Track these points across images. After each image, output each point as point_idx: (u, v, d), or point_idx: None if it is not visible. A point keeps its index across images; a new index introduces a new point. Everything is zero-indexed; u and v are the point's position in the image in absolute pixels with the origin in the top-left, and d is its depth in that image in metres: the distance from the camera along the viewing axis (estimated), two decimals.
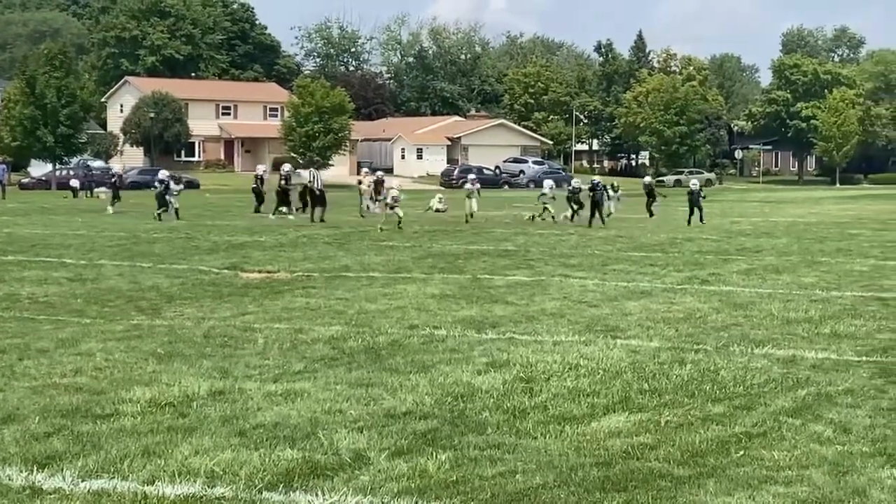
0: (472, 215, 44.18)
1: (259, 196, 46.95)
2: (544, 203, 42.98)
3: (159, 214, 42.73)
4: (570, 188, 42.85)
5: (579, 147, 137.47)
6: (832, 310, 17.40)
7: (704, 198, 41.16)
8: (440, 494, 7.65)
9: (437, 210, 46.73)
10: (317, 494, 7.64)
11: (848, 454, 8.84)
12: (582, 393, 11.08)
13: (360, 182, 53.45)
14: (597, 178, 34.54)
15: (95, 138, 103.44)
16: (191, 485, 7.84)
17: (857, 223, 42.09)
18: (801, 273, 22.82)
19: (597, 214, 37.31)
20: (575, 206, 40.40)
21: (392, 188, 43.55)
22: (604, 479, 8.07)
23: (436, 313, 16.80)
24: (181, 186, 51.22)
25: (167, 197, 44.02)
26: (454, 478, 8.07)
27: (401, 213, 38.86)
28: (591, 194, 37.30)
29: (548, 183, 47.32)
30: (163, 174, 47.34)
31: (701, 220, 40.19)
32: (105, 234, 34.22)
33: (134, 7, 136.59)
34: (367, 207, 47.71)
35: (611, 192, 42.66)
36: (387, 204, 40.43)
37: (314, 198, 43.77)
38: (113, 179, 53.11)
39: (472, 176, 53.04)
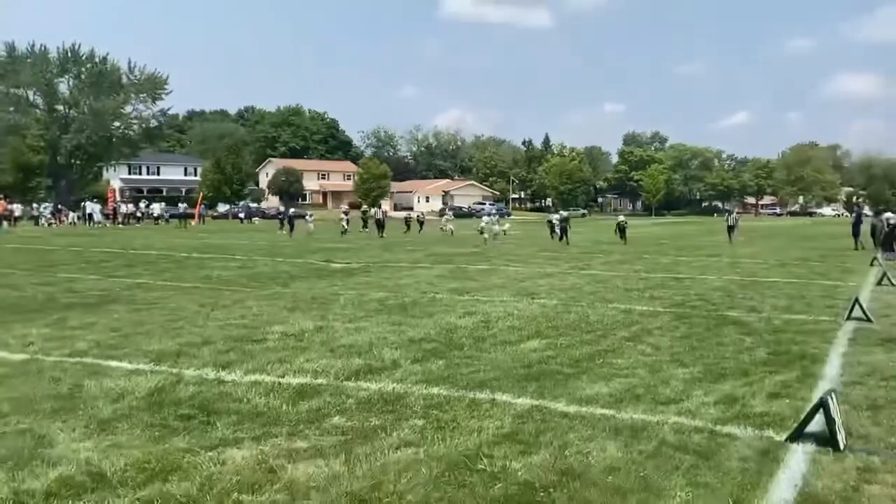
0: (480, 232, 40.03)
1: (365, 221, 48.83)
2: (482, 227, 39.02)
3: (290, 232, 42.70)
4: (558, 219, 37.51)
5: (514, 196, 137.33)
6: (650, 284, 17.44)
7: (569, 226, 36.64)
8: (439, 383, 7.70)
9: (446, 229, 45.53)
10: (373, 382, 7.70)
11: (658, 361, 8.89)
12: (515, 328, 11.11)
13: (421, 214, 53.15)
14: (564, 213, 32.93)
15: (252, 191, 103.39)
16: (304, 377, 7.90)
17: (664, 237, 42.12)
18: (634, 264, 22.85)
19: (564, 238, 33.89)
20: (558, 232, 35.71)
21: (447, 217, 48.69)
22: (527, 374, 8.12)
23: (436, 285, 16.81)
24: (311, 216, 50.55)
25: (293, 222, 44.12)
26: (446, 374, 8.12)
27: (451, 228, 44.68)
28: (561, 224, 34.54)
29: (485, 217, 45.09)
30: (291, 210, 47.44)
31: (566, 240, 34.89)
32: (257, 243, 34.19)
33: (273, 120, 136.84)
34: (442, 229, 46.57)
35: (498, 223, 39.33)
36: (442, 228, 44.23)
37: (379, 223, 43.44)
38: (272, 214, 52.80)
39: (489, 209, 54.05)
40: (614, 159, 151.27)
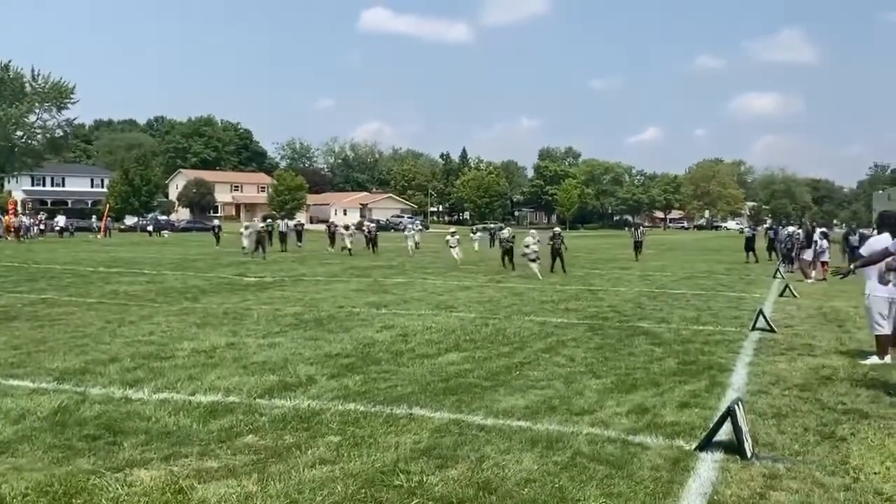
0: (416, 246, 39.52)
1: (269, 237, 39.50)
2: (406, 237, 39.30)
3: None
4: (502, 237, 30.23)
5: (432, 209, 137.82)
6: (565, 296, 17.72)
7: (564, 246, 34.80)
8: (356, 399, 7.62)
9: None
10: (287, 399, 7.57)
11: (573, 373, 9.01)
12: (433, 341, 11.10)
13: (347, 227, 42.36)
14: (557, 229, 26.42)
15: (161, 203, 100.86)
16: (215, 395, 7.70)
17: (578, 250, 42.87)
18: (549, 277, 23.17)
19: (558, 260, 25.54)
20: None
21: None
22: (445, 388, 8.11)
23: (353, 299, 16.69)
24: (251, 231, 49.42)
25: (220, 234, 42.73)
26: (364, 389, 8.04)
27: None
28: (551, 243, 25.53)
29: (409, 229, 43.03)
30: (215, 223, 46.22)
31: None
32: (167, 256, 33.33)
33: (184, 130, 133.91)
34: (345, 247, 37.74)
35: (417, 226, 37.64)
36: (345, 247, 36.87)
37: (283, 237, 41.00)
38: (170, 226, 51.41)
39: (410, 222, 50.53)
40: (530, 173, 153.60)
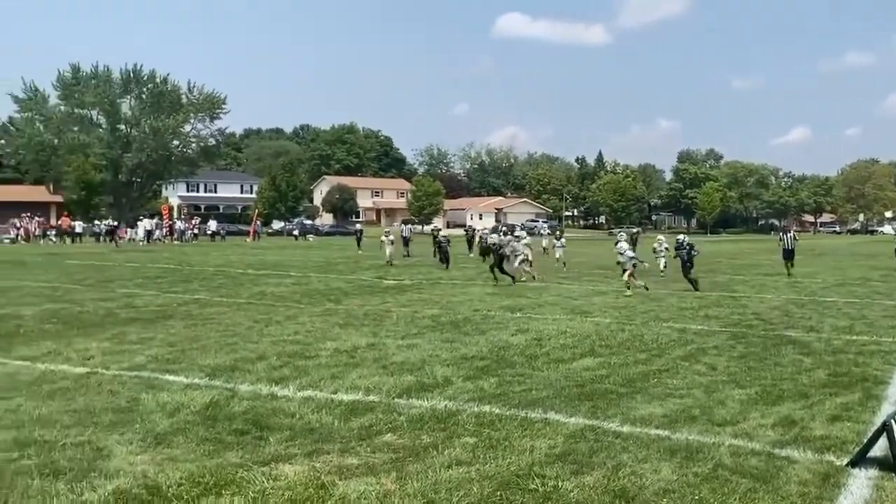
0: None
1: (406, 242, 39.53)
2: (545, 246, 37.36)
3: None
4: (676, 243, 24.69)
5: (567, 213, 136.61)
6: (705, 302, 17.16)
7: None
8: (491, 401, 7.66)
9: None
10: (425, 400, 7.69)
11: (714, 382, 8.73)
12: (568, 346, 11.02)
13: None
14: (682, 236, 23.33)
15: (306, 208, 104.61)
16: (356, 394, 7.92)
17: (721, 255, 41.42)
18: (688, 283, 22.48)
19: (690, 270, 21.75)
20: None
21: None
22: (580, 393, 8.03)
23: (489, 303, 16.77)
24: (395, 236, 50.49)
25: (361, 238, 43.31)
26: (499, 392, 8.08)
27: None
28: (677, 253, 22.58)
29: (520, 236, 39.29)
30: (357, 227, 47.27)
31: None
32: (311, 259, 34.50)
33: (328, 138, 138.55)
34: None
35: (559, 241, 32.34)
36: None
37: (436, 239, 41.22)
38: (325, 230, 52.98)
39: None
40: (668, 176, 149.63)
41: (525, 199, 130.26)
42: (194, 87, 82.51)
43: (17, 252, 39.16)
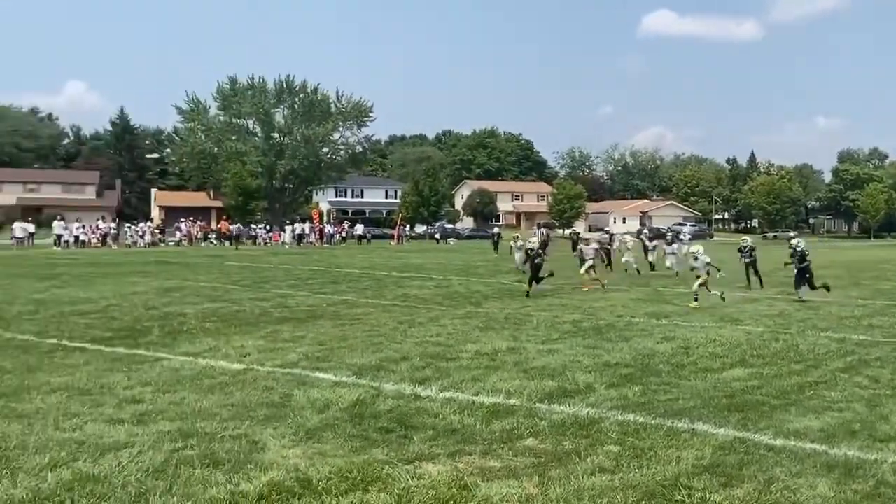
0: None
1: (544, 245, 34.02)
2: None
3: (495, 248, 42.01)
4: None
5: (716, 216, 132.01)
6: (868, 311, 16.18)
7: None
8: (635, 410, 7.52)
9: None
10: (567, 406, 7.64)
11: (877, 395, 8.23)
12: (717, 355, 10.66)
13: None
14: (747, 240, 23.22)
15: (448, 213, 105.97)
16: (497, 397, 7.96)
17: (885, 261, 38.88)
18: (850, 290, 21.28)
19: (754, 277, 22.62)
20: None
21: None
22: (729, 404, 7.76)
23: (632, 309, 16.45)
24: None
25: (499, 242, 43.34)
26: (643, 401, 7.92)
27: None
28: (742, 258, 22.60)
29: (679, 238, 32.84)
30: (495, 230, 47.51)
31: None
32: (452, 262, 34.88)
33: (469, 143, 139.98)
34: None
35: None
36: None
37: (574, 243, 41.13)
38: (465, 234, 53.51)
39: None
40: (827, 178, 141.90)
41: (672, 202, 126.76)
42: (342, 95, 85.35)
43: (182, 254, 41.68)
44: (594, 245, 24.08)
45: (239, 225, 55.63)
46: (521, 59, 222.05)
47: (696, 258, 18.31)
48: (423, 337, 12.13)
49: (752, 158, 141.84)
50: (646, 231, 36.92)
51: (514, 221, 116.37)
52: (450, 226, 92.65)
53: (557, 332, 12.79)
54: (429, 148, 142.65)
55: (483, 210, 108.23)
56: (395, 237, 67.29)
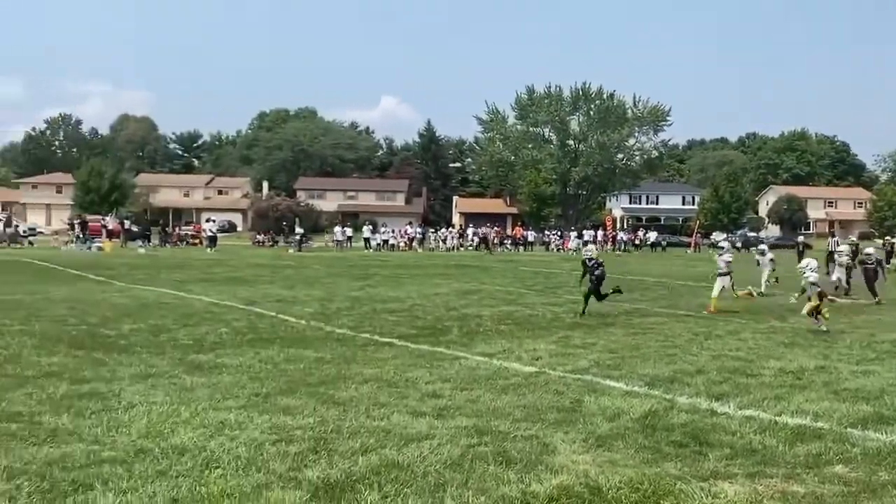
0: None
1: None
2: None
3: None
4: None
5: None
6: None
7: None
8: None
9: None
10: (883, 433, 6.93)
11: None
12: None
13: None
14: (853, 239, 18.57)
15: (750, 220, 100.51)
16: (803, 418, 7.41)
17: None
18: None
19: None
20: None
21: None
22: None
23: None
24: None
25: (804, 251, 40.22)
26: None
27: None
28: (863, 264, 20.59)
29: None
30: (798, 239, 44.33)
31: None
32: (756, 272, 32.85)
33: (776, 146, 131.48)
34: None
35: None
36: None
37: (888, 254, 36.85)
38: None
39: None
40: None
41: None
42: (639, 100, 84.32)
43: (479, 258, 43.54)
44: (770, 255, 22.15)
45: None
46: (834, 55, 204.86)
47: (807, 272, 14.83)
48: (721, 350, 11.61)
49: None
50: None
51: (827, 229, 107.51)
52: (752, 234, 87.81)
53: (874, 352, 11.62)
54: (730, 151, 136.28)
55: (791, 217, 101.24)
56: (692, 245, 65.19)
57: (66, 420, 6.87)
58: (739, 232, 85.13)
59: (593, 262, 16.46)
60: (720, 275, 17.78)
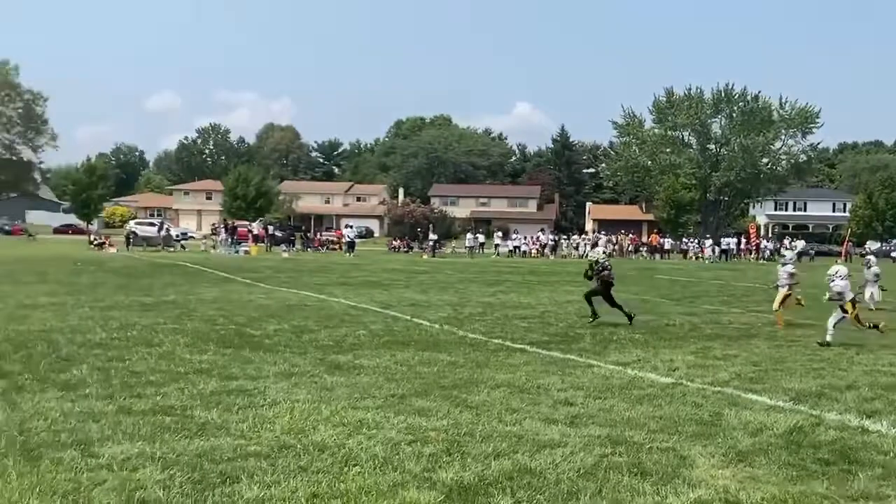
0: None
1: None
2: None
3: None
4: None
5: None
6: None
7: None
8: None
9: None
10: None
11: None
12: None
13: None
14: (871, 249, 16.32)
15: None
16: None
17: None
18: None
19: None
20: None
21: None
22: None
23: None
24: None
25: None
26: None
27: None
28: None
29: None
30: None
31: None
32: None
33: None
34: None
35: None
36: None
37: None
38: None
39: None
40: None
41: None
42: (786, 102, 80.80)
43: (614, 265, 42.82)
44: (876, 269, 19.53)
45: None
46: None
47: (836, 281, 13.52)
48: (874, 365, 10.98)
49: None
50: None
51: None
52: None
53: None
54: (886, 155, 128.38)
55: None
56: (843, 254, 61.88)
57: (215, 415, 7.25)
58: (894, 241, 79.99)
59: (601, 264, 16.17)
60: (779, 286, 16.67)
